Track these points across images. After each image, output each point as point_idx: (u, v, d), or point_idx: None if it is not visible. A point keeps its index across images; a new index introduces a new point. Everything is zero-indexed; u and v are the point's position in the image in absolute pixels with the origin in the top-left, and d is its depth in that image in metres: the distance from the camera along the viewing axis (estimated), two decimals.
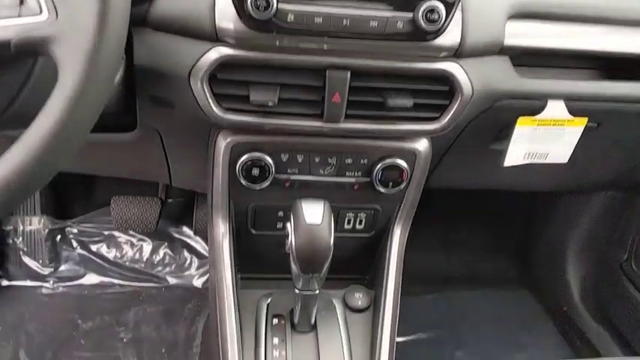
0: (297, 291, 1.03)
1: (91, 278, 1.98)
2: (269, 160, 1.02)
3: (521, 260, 2.11)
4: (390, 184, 1.05)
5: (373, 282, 1.28)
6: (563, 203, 1.94)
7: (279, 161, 1.01)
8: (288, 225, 0.95)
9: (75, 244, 2.01)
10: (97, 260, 2.00)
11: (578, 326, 1.90)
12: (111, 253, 2.02)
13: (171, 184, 1.42)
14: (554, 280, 1.93)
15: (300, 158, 1.02)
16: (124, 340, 1.80)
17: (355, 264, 1.23)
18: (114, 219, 1.90)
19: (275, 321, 1.16)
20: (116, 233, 2.03)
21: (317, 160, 1.02)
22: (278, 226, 1.18)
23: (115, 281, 1.98)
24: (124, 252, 2.02)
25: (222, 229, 1.13)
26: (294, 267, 0.97)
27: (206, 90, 0.92)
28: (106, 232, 2.03)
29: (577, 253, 1.93)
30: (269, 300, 1.20)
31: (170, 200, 2.10)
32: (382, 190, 1.05)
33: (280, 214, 1.16)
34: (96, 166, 1.50)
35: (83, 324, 1.85)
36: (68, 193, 2.13)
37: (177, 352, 1.77)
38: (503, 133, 1.13)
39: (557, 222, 1.98)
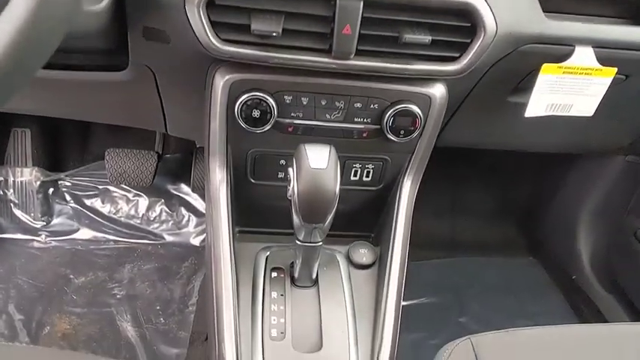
0: (298, 243, 0.96)
1: (85, 233, 1.93)
2: (271, 101, 0.94)
3: (530, 227, 2.06)
4: (402, 132, 0.98)
5: (379, 239, 1.21)
6: (578, 167, 1.86)
7: (282, 103, 0.94)
8: (290, 170, 0.88)
9: (68, 197, 1.96)
10: (91, 215, 1.95)
11: (587, 295, 1.85)
12: (105, 208, 1.97)
13: (166, 131, 1.35)
14: (564, 248, 1.88)
15: (304, 100, 0.96)
16: (118, 296, 1.75)
17: (360, 220, 1.17)
18: (108, 172, 1.82)
19: (274, 274, 1.09)
20: (111, 188, 1.98)
21: (323, 103, 0.96)
22: (279, 176, 1.12)
23: (110, 237, 1.93)
24: (119, 207, 1.98)
25: (219, 177, 1.06)
26: (295, 217, 0.90)
27: (203, 18, 0.84)
28: (100, 187, 1.98)
29: (590, 220, 1.85)
30: (268, 253, 1.13)
31: (168, 156, 2.03)
32: (393, 138, 0.99)
33: (282, 162, 1.09)
34: (88, 111, 1.43)
35: (75, 279, 1.80)
36: (62, 146, 2.07)
37: (172, 309, 1.72)
38: (524, 83, 1.08)
39: (569, 187, 1.91)
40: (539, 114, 1.10)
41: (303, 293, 1.07)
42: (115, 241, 1.93)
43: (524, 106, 1.06)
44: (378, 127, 0.99)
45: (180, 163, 2.01)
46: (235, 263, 1.06)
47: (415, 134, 0.99)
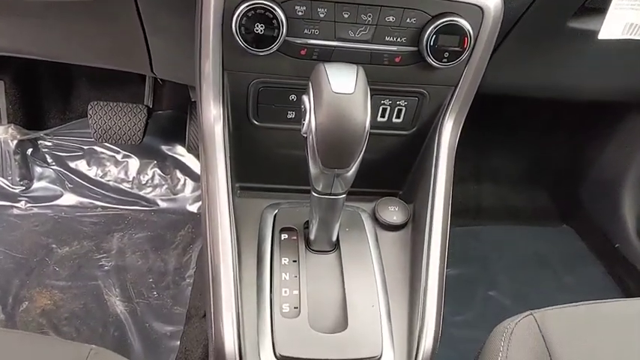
0: (314, 195, 0.75)
1: (69, 199, 1.77)
2: (279, 12, 0.77)
3: (565, 191, 1.91)
4: (446, 54, 0.82)
5: (410, 195, 1.02)
6: (626, 121, 1.67)
7: (293, 15, 0.78)
8: (305, 98, 0.70)
9: (49, 159, 1.81)
10: (76, 178, 1.79)
11: (633, 265, 1.67)
12: (92, 171, 1.81)
13: (152, 71, 1.18)
14: (605, 214, 1.75)
15: (322, 12, 0.79)
16: (105, 268, 1.58)
17: (386, 174, 1.02)
18: (92, 128, 1.64)
19: (284, 236, 0.89)
20: (98, 148, 1.83)
21: (346, 16, 0.80)
22: (289, 116, 0.93)
23: (97, 203, 1.77)
24: (106, 170, 1.82)
25: (214, 112, 0.86)
26: (312, 160, 0.72)
27: None
28: (85, 147, 1.82)
29: (637, 182, 1.67)
30: (276, 211, 0.93)
31: (160, 112, 1.84)
32: (434, 63, 0.82)
33: (292, 97, 0.90)
34: (63, 49, 1.26)
35: (58, 249, 1.63)
36: (41, 100, 1.88)
37: (166, 282, 1.55)
38: (594, 1, 0.95)
39: (614, 145, 1.73)
40: (614, 36, 0.96)
41: (321, 259, 0.87)
42: (103, 208, 1.77)
43: (586, 35, 0.96)
44: (414, 49, 0.83)
45: (173, 120, 1.83)
46: (236, 224, 0.85)
47: (463, 57, 0.82)
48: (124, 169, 1.83)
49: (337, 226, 0.85)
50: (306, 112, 0.70)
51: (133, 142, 1.67)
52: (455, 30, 0.80)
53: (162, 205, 1.80)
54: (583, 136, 1.84)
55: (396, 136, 0.96)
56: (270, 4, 0.76)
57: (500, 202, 1.94)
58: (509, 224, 1.88)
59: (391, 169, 1.02)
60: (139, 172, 1.82)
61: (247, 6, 0.75)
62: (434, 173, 0.92)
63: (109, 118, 1.65)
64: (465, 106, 0.93)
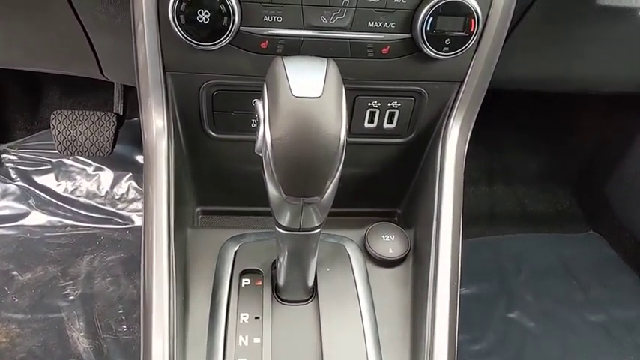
0: (279, 231, 0.56)
1: (35, 218, 1.60)
2: None
3: (589, 193, 1.77)
4: (448, 42, 0.66)
5: (411, 218, 0.87)
6: None
7: None
8: (259, 105, 0.54)
9: (14, 174, 1.67)
10: (43, 195, 1.64)
11: None
12: (61, 186, 1.66)
13: (102, 73, 1.05)
14: (636, 216, 1.60)
15: None
16: (71, 297, 1.42)
17: (379, 190, 0.87)
18: (55, 139, 1.48)
19: (246, 281, 0.70)
20: (67, 161, 1.69)
21: None
22: (253, 125, 0.77)
23: (66, 221, 1.61)
24: (77, 184, 1.67)
25: (155, 124, 0.69)
26: (271, 186, 0.55)
27: None
28: (54, 160, 1.67)
29: None
30: (237, 246, 0.74)
31: (134, 120, 1.69)
32: (433, 54, 0.67)
33: (256, 102, 0.69)
34: (5, 52, 1.12)
35: (20, 276, 1.47)
36: (4, 110, 1.75)
37: (137, 313, 1.36)
38: None
39: None
40: None
41: (292, 313, 0.69)
42: (73, 227, 1.60)
43: (618, 14, 0.82)
44: (406, 36, 0.68)
45: None
46: (188, 264, 0.66)
47: (469, 45, 0.67)
48: (96, 183, 1.68)
49: (313, 265, 0.66)
50: (259, 124, 0.52)
51: (102, 154, 1.52)
52: (458, 9, 0.64)
53: (138, 222, 1.63)
54: (606, 129, 1.71)
55: (389, 145, 0.80)
56: None
57: (516, 205, 1.80)
58: (528, 231, 1.72)
59: (385, 185, 0.85)
60: (112, 186, 1.67)
61: None
62: (439, 190, 0.75)
63: (74, 128, 1.50)
64: (475, 105, 0.76)
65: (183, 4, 0.61)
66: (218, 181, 0.81)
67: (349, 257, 0.76)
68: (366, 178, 0.81)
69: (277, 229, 0.59)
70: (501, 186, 1.79)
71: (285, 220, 0.57)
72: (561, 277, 1.58)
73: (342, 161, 0.53)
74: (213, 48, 0.64)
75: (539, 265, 1.61)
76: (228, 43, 0.64)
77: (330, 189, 0.54)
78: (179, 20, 0.62)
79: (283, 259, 0.63)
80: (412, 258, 0.78)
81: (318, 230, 0.60)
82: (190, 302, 0.68)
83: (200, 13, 0.61)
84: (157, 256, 0.64)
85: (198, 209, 0.85)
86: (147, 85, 0.69)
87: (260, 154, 0.53)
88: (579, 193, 1.81)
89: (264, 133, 0.51)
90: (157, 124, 0.70)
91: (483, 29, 0.67)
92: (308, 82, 0.50)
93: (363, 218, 0.85)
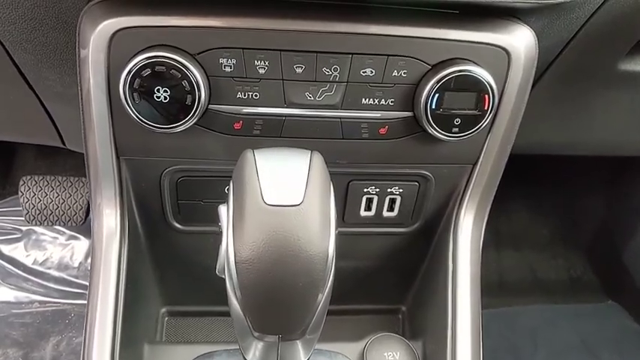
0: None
1: (1, 293, 1.48)
2: (192, 69, 0.52)
3: (605, 258, 1.68)
4: (457, 122, 0.57)
5: (418, 321, 0.74)
6: None
7: (218, 73, 0.54)
8: (222, 212, 0.45)
9: None
10: (10, 267, 1.53)
11: None
12: (30, 257, 1.55)
13: (64, 144, 0.96)
14: None
15: (262, 66, 0.55)
16: None
17: (380, 285, 0.76)
18: (23, 207, 1.42)
19: None
20: (38, 229, 1.57)
21: (299, 70, 0.55)
22: None
23: (34, 297, 1.49)
24: (47, 255, 1.56)
25: (106, 225, 0.58)
26: (236, 321, 0.44)
27: None
28: (23, 228, 1.57)
29: None
30: None
31: None
32: (440, 135, 0.59)
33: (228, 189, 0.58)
34: None
35: None
36: None
37: None
38: None
39: None
40: None
41: None
42: (41, 303, 1.48)
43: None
44: (408, 114, 0.59)
45: None
46: None
47: (483, 125, 0.59)
48: (69, 253, 1.56)
49: None
50: (221, 239, 0.41)
51: (74, 223, 1.45)
52: (469, 84, 0.56)
53: None
54: (619, 189, 1.63)
55: (390, 234, 0.70)
56: (177, 59, 0.50)
57: (527, 273, 1.69)
58: (541, 301, 1.61)
59: (386, 280, 0.75)
60: (87, 257, 1.55)
61: (142, 60, 0.50)
62: (452, 294, 0.62)
63: (44, 195, 1.42)
64: (490, 190, 0.67)
65: (137, 80, 0.50)
66: (185, 278, 0.70)
67: None
68: (364, 273, 0.70)
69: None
70: (510, 251, 1.69)
71: (253, 356, 0.44)
72: (581, 353, 1.46)
73: (331, 281, 0.41)
74: (176, 130, 0.54)
75: (556, 342, 1.50)
76: (195, 123, 0.54)
77: (312, 321, 0.42)
78: (132, 99, 0.51)
79: None
80: None
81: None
82: None
83: (158, 90, 0.51)
84: None
85: (164, 310, 0.72)
86: (96, 174, 0.58)
87: (222, 277, 0.41)
88: (594, 258, 1.70)
89: (227, 252, 0.39)
90: (107, 224, 0.60)
91: (499, 105, 0.58)
92: (285, 185, 0.39)
93: (361, 318, 0.73)
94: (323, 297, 0.42)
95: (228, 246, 0.40)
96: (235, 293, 0.39)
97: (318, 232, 0.39)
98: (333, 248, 0.40)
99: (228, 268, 0.39)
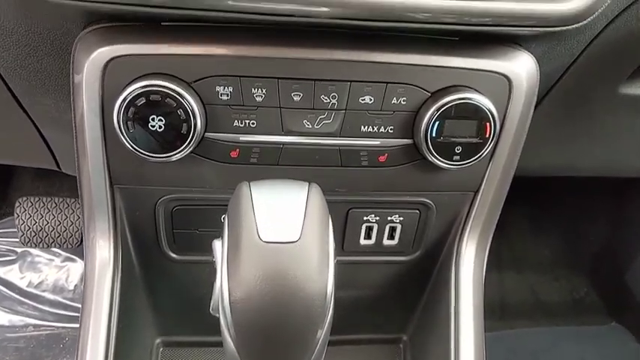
0: None
1: None
2: (187, 98, 0.51)
3: (607, 279, 1.67)
4: (458, 150, 0.57)
5: (421, 353, 0.73)
6: None
7: (214, 101, 0.54)
8: (217, 247, 0.45)
9: None
10: (4, 290, 1.52)
11: None
12: (24, 279, 1.53)
13: (59, 168, 0.96)
14: None
15: (259, 94, 0.54)
16: None
17: (381, 314, 0.75)
18: (18, 229, 1.40)
19: None
20: (34, 251, 1.56)
21: (297, 98, 0.55)
22: None
23: (28, 320, 1.47)
24: (43, 277, 1.54)
25: (99, 257, 0.57)
26: (231, 357, 0.42)
27: None
28: (18, 249, 1.56)
29: None
30: None
31: None
32: (441, 163, 0.58)
33: (224, 218, 0.57)
34: None
35: None
36: None
37: None
38: None
39: None
40: None
41: None
42: (35, 327, 1.47)
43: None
44: (408, 141, 0.60)
45: None
46: None
47: (484, 153, 0.59)
48: (65, 275, 1.55)
49: None
50: (216, 274, 0.41)
51: (70, 245, 1.43)
52: (469, 112, 0.56)
53: None
54: (623, 212, 1.62)
55: (390, 263, 0.69)
56: (172, 87, 0.50)
57: (529, 295, 1.68)
58: (543, 323, 1.59)
59: (387, 308, 0.74)
60: (82, 279, 1.53)
61: (136, 90, 0.49)
62: (455, 327, 0.61)
63: (40, 217, 1.41)
64: (492, 218, 0.68)
65: (132, 108, 0.49)
66: (180, 308, 0.69)
67: None
68: (364, 302, 0.70)
69: None
70: (511, 273, 1.68)
71: None
72: None
73: (331, 315, 0.40)
74: (172, 159, 0.53)
75: None
76: (190, 152, 0.53)
77: (315, 356, 0.40)
78: (127, 128, 0.50)
79: None
80: None
81: None
82: None
83: (153, 119, 0.50)
84: None
85: (159, 340, 0.71)
86: (90, 202, 0.56)
87: (217, 315, 0.40)
88: (597, 279, 1.69)
89: (221, 290, 0.37)
90: (100, 255, 0.59)
91: (500, 133, 0.58)
92: (281, 221, 0.37)
93: (362, 348, 0.73)
94: (322, 332, 0.40)
95: (222, 284, 0.38)
96: (230, 332, 0.38)
97: (316, 270, 0.37)
98: (332, 285, 0.39)
99: (222, 306, 0.38)
